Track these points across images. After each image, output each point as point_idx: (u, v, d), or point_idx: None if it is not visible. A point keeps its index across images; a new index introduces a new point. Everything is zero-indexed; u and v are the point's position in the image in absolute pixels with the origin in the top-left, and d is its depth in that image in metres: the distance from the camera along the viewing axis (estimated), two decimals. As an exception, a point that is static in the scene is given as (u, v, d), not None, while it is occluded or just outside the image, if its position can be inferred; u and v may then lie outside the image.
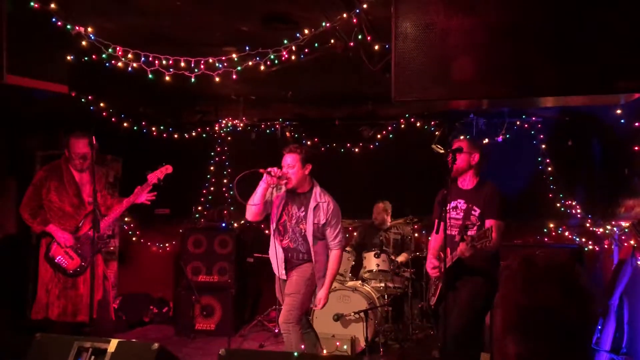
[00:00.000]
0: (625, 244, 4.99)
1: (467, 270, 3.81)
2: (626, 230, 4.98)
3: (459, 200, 4.00)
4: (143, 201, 4.70)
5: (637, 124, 4.81)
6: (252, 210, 4.18)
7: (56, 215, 4.58)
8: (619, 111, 4.92)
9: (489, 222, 3.85)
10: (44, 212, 4.58)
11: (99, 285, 4.55)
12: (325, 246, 4.24)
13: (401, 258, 6.22)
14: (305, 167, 4.15)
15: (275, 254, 4.29)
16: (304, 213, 4.18)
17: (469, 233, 3.85)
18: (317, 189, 4.23)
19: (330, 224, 4.18)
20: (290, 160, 4.11)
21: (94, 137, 4.38)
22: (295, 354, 2.93)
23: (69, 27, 4.01)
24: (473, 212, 3.92)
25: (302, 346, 4.14)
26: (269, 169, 4.06)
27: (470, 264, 3.77)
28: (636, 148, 4.81)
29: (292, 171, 4.10)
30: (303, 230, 4.18)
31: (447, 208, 3.91)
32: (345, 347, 5.19)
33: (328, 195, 4.26)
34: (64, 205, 4.59)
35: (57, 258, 4.53)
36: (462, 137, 4.17)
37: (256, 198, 4.14)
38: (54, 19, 3.96)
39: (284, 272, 4.28)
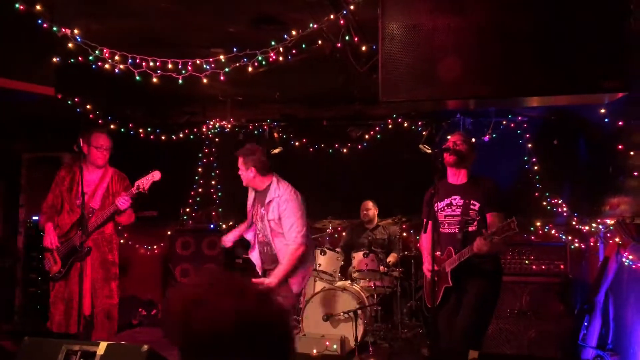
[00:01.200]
0: (611, 242, 5.05)
1: (475, 269, 3.72)
2: (611, 227, 5.03)
3: (453, 197, 3.89)
4: (121, 207, 4.41)
5: (620, 123, 4.87)
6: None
7: (65, 213, 4.54)
8: (603, 110, 4.97)
9: (491, 215, 3.77)
10: (52, 210, 4.55)
11: (83, 296, 4.29)
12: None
13: (390, 259, 6.25)
14: (249, 170, 4.21)
15: (254, 252, 4.43)
16: (265, 211, 4.21)
17: (469, 229, 3.79)
18: (273, 185, 4.20)
19: (284, 216, 4.11)
20: (239, 163, 4.28)
21: (80, 139, 4.37)
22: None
23: (55, 29, 3.99)
24: (472, 206, 3.81)
25: None
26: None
27: (477, 262, 3.68)
28: (620, 147, 4.87)
29: (242, 174, 4.26)
30: (265, 228, 4.22)
31: (442, 206, 3.88)
32: (335, 346, 5.20)
33: (286, 188, 4.20)
34: (71, 206, 4.54)
35: (45, 259, 4.50)
36: (456, 132, 4.13)
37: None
38: (39, 21, 3.93)
39: (260, 265, 4.40)
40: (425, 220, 4.08)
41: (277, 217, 4.14)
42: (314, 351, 4.39)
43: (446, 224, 3.89)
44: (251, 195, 4.42)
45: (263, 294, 1.40)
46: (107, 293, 4.51)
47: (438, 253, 3.86)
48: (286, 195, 4.15)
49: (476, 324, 3.80)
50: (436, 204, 3.85)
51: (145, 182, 4.40)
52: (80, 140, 4.40)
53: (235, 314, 1.32)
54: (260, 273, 4.39)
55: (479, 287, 3.78)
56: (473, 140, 6.15)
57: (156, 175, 4.46)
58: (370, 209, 6.63)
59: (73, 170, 4.60)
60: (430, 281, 3.78)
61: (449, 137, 4.05)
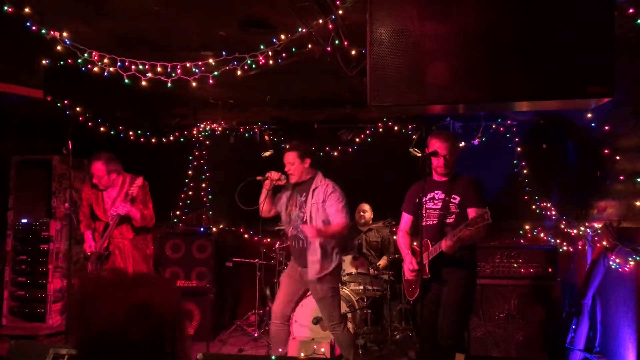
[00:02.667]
0: (598, 245, 5.09)
1: (452, 259, 3.82)
2: (599, 231, 5.07)
3: (436, 192, 4.04)
4: (121, 212, 4.89)
5: (607, 127, 4.91)
6: (261, 209, 4.57)
7: (98, 222, 5.06)
8: (589, 115, 5.01)
9: (471, 211, 3.89)
10: (88, 219, 5.11)
11: None
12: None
13: (382, 262, 6.27)
14: (305, 162, 4.48)
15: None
16: (304, 198, 4.44)
17: (447, 221, 3.93)
18: (319, 176, 4.53)
19: (330, 201, 4.37)
20: (289, 159, 4.46)
21: (69, 141, 4.38)
22: (273, 357, 2.95)
23: (43, 31, 3.98)
24: (453, 200, 3.96)
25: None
26: (266, 174, 4.48)
27: (452, 254, 3.79)
28: (606, 151, 4.91)
29: (292, 167, 4.45)
30: (304, 215, 4.40)
31: (424, 200, 3.99)
32: (323, 350, 5.20)
33: (331, 182, 4.52)
34: (92, 217, 5.09)
35: (89, 261, 5.03)
36: (435, 136, 4.12)
37: (261, 202, 4.54)
38: (28, 24, 3.92)
39: (291, 263, 4.66)
40: (403, 213, 4.27)
41: (322, 200, 4.38)
42: (302, 354, 4.41)
43: (426, 217, 4.01)
44: (285, 193, 4.62)
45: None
46: None
47: (416, 244, 4.01)
48: (332, 185, 4.48)
49: (458, 322, 3.93)
50: (423, 199, 3.98)
51: (132, 189, 4.90)
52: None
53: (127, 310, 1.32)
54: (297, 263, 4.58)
55: (458, 278, 3.91)
56: (462, 144, 6.24)
57: (138, 181, 4.95)
58: (367, 211, 6.65)
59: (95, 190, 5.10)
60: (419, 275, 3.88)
61: (429, 140, 4.07)
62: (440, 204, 3.99)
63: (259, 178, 4.49)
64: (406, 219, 4.31)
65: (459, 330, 3.95)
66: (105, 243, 4.95)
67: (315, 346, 5.21)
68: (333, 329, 4.53)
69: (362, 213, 6.65)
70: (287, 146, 4.62)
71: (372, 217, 6.69)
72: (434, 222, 3.99)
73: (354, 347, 4.69)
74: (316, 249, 4.32)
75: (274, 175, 4.47)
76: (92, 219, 5.11)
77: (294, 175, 4.46)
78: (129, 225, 5.06)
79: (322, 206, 4.37)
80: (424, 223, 3.95)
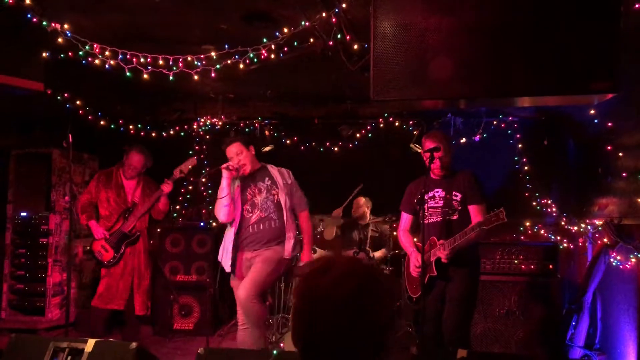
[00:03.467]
0: (599, 242, 5.08)
1: (457, 257, 3.82)
2: (600, 228, 5.06)
3: (436, 190, 4.04)
4: (165, 189, 5.29)
5: (610, 124, 4.90)
6: (223, 208, 4.40)
7: (105, 211, 5.27)
8: (592, 111, 5.00)
9: (473, 208, 3.91)
10: (91, 209, 5.31)
11: (133, 276, 5.29)
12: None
13: (379, 253, 6.24)
14: (250, 149, 4.49)
15: (226, 247, 4.50)
16: (269, 181, 4.46)
17: (452, 218, 3.93)
18: (268, 164, 4.58)
19: (295, 187, 4.53)
20: (236, 149, 4.44)
21: (69, 135, 4.37)
22: (275, 352, 2.94)
23: (44, 23, 3.96)
24: (454, 197, 3.96)
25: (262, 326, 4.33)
26: (226, 165, 4.40)
27: (460, 251, 3.80)
28: (609, 148, 4.89)
29: (242, 156, 4.42)
30: (275, 197, 4.43)
31: (425, 198, 3.96)
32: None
33: (278, 168, 4.59)
34: (111, 205, 5.28)
35: (96, 252, 5.20)
36: (432, 135, 4.14)
37: (224, 191, 4.39)
38: (29, 15, 3.90)
39: (230, 260, 4.44)
40: (402, 212, 4.26)
41: (290, 180, 4.51)
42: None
43: (428, 215, 4.00)
44: (235, 183, 4.51)
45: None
46: (146, 275, 5.44)
47: (416, 240, 4.02)
48: (286, 171, 4.58)
49: (464, 317, 3.94)
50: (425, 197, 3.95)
51: (184, 167, 5.31)
52: (125, 154, 5.36)
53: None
54: (226, 266, 4.48)
55: (462, 274, 3.91)
56: (463, 140, 6.23)
57: (193, 161, 5.41)
58: (362, 205, 6.62)
59: (115, 176, 5.38)
60: (422, 273, 3.84)
61: (423, 141, 4.09)
62: (442, 202, 3.99)
63: (222, 167, 4.40)
64: (406, 218, 4.32)
65: (464, 326, 3.95)
66: (132, 225, 5.22)
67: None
68: (251, 301, 4.22)
69: (356, 207, 6.63)
70: (228, 140, 4.56)
71: (369, 211, 6.65)
72: (438, 220, 3.99)
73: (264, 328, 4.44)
74: (291, 225, 4.44)
75: (233, 164, 4.41)
76: (93, 209, 5.32)
77: (247, 164, 4.43)
78: (148, 215, 5.39)
79: (290, 190, 4.47)
80: (426, 221, 3.94)
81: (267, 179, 4.48)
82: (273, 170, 4.52)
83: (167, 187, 5.26)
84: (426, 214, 3.97)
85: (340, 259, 1.42)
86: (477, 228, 3.62)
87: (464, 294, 3.90)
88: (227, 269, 4.47)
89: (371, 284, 1.38)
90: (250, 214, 4.44)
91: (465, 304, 3.92)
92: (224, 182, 4.40)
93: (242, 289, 4.23)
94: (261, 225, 4.42)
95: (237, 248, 4.44)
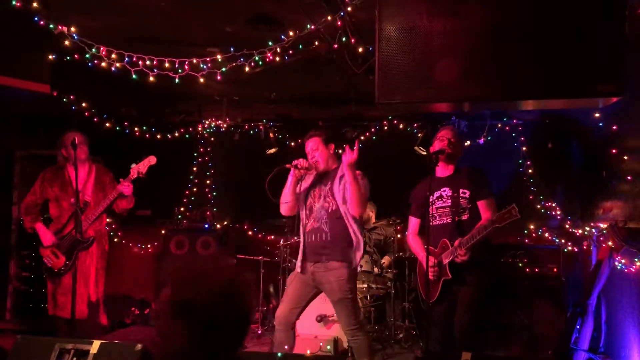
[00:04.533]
0: (604, 245, 5.06)
1: (471, 260, 3.74)
2: (604, 231, 5.05)
3: (443, 189, 3.96)
4: (125, 192, 4.68)
5: (614, 127, 4.89)
6: (285, 206, 4.10)
7: (54, 212, 4.77)
8: (597, 114, 4.99)
9: (481, 203, 3.85)
10: (37, 211, 4.80)
11: (88, 284, 4.75)
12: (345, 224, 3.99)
13: (385, 261, 6.25)
14: (329, 147, 4.12)
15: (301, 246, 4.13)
16: (329, 186, 4.04)
17: (463, 218, 3.86)
18: (340, 169, 4.07)
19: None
20: (313, 144, 4.09)
21: (75, 137, 4.39)
22: (279, 354, 2.94)
23: (51, 26, 3.98)
24: (462, 195, 3.88)
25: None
26: (294, 162, 4.01)
27: (472, 254, 3.73)
28: (614, 151, 4.88)
29: (317, 154, 4.07)
30: (329, 207, 3.99)
31: (432, 199, 3.91)
32: (328, 347, 5.20)
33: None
34: (60, 205, 4.75)
35: (45, 258, 4.67)
36: (446, 126, 4.13)
37: (287, 194, 4.07)
38: (36, 18, 3.92)
39: (300, 263, 4.06)
40: (410, 217, 4.19)
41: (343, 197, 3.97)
42: (308, 352, 4.39)
43: (437, 216, 3.93)
44: (304, 183, 4.16)
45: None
46: (103, 281, 4.92)
47: (431, 247, 3.86)
48: (361, 173, 4.05)
49: (474, 319, 3.85)
50: (430, 198, 3.88)
51: (142, 166, 4.66)
52: (58, 146, 4.76)
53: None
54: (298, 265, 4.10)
55: (476, 278, 3.83)
56: (467, 142, 6.23)
57: (152, 159, 4.69)
58: (366, 210, 6.62)
59: (61, 171, 4.82)
60: (427, 276, 3.79)
61: (439, 130, 4.06)
62: (450, 201, 3.91)
63: (288, 166, 4.01)
64: (414, 222, 4.21)
65: (476, 329, 3.87)
66: (84, 228, 4.60)
67: (321, 344, 5.21)
68: (353, 335, 3.97)
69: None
70: (309, 134, 4.16)
71: (373, 215, 6.65)
72: (448, 221, 3.90)
73: (371, 355, 4.10)
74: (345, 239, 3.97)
75: (302, 162, 4.01)
76: (38, 210, 4.83)
77: (320, 162, 4.06)
78: (104, 215, 4.88)
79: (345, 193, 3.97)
80: (437, 222, 3.89)
81: (329, 182, 4.06)
82: (340, 171, 4.02)
83: (127, 190, 4.66)
84: (435, 214, 3.91)
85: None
86: (490, 227, 3.54)
87: (476, 297, 3.82)
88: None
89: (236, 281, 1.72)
90: (307, 221, 4.09)
91: (477, 307, 3.84)
92: (288, 184, 4.06)
93: (344, 324, 4.02)
94: (313, 237, 4.03)
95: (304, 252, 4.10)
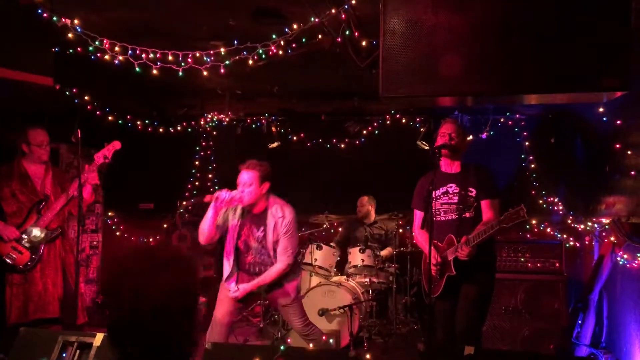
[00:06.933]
0: (606, 241, 5.07)
1: (476, 257, 3.70)
2: (607, 227, 5.05)
3: (449, 185, 3.91)
4: (91, 180, 4.51)
5: (619, 122, 4.88)
6: (203, 234, 3.97)
7: (11, 208, 4.50)
8: (601, 109, 4.98)
9: (485, 203, 3.82)
10: None
11: (57, 281, 4.52)
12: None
13: (385, 252, 6.25)
14: (263, 186, 3.88)
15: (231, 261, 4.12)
16: (263, 233, 3.98)
17: (467, 216, 3.83)
18: (272, 207, 3.97)
19: (283, 238, 3.96)
20: (247, 179, 3.84)
21: (78, 130, 4.36)
22: (282, 347, 2.95)
23: (54, 19, 3.97)
24: (469, 193, 3.86)
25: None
26: (216, 195, 3.81)
27: (477, 251, 3.70)
28: (618, 146, 4.87)
29: (247, 190, 3.84)
30: (268, 250, 4.01)
31: (438, 194, 3.89)
32: (330, 341, 5.21)
33: (283, 206, 4.00)
34: (18, 199, 4.52)
35: (5, 255, 4.38)
36: (447, 120, 4.07)
37: (207, 225, 3.92)
38: (39, 11, 3.92)
39: (235, 286, 4.06)
40: (415, 210, 4.14)
41: (277, 239, 3.96)
42: (310, 345, 4.40)
43: (442, 212, 3.91)
44: (232, 214, 4.05)
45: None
46: (73, 275, 4.52)
47: (435, 241, 3.84)
48: (289, 217, 3.96)
49: (479, 317, 3.86)
50: (433, 193, 3.84)
51: (107, 151, 4.52)
52: (19, 140, 4.58)
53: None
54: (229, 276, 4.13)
55: (481, 276, 3.81)
56: (470, 137, 6.22)
57: (117, 144, 4.56)
58: (365, 204, 6.63)
59: (16, 166, 4.60)
60: (430, 271, 3.73)
61: (441, 126, 4.02)
62: (457, 197, 3.87)
63: (207, 199, 3.82)
64: (419, 215, 4.13)
65: (478, 326, 3.88)
66: (49, 220, 4.45)
67: (323, 337, 5.22)
68: (310, 329, 4.27)
69: (360, 207, 6.64)
70: (247, 164, 3.89)
71: (373, 209, 6.66)
72: (454, 217, 3.86)
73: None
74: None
75: (224, 196, 3.79)
76: None
77: (247, 200, 3.85)
78: (65, 209, 4.66)
79: (276, 243, 3.98)
80: (441, 218, 3.87)
81: (262, 228, 3.98)
82: (270, 217, 3.95)
83: (92, 177, 4.46)
84: (439, 210, 3.89)
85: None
86: (497, 226, 3.50)
87: (480, 294, 3.80)
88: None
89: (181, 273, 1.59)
90: (246, 254, 4.09)
91: (481, 304, 3.84)
92: (209, 215, 3.89)
93: (298, 326, 4.28)
94: (257, 269, 4.09)
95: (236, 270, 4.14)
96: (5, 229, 4.40)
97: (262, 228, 3.99)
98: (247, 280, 4.09)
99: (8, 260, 4.37)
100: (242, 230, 4.03)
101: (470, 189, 3.87)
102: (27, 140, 4.58)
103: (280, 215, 3.95)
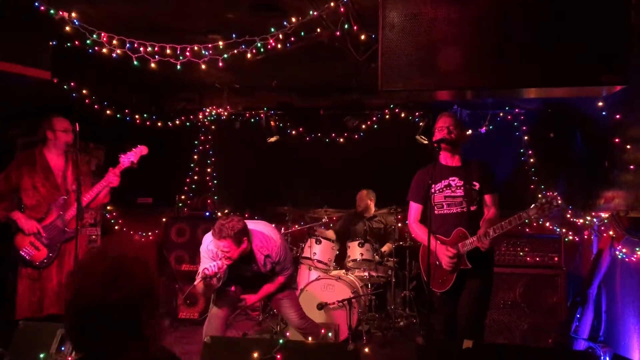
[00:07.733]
0: (605, 235, 5.07)
1: (481, 252, 3.71)
2: (605, 221, 5.05)
3: (451, 178, 3.88)
4: (114, 183, 4.44)
5: (618, 116, 4.87)
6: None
7: (31, 200, 4.39)
8: (600, 103, 4.97)
9: (488, 197, 3.84)
10: (11, 199, 4.41)
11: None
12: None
13: (385, 248, 6.26)
14: (242, 244, 3.91)
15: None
16: (255, 266, 4.10)
17: (472, 209, 3.81)
18: (256, 242, 4.05)
19: (278, 266, 4.14)
20: (224, 247, 3.86)
21: (76, 124, 4.33)
22: (280, 340, 2.95)
23: (52, 12, 3.95)
24: (473, 187, 3.84)
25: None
26: (204, 274, 3.85)
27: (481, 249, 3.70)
28: (617, 140, 4.87)
29: (229, 254, 3.88)
30: (264, 272, 4.15)
31: (439, 187, 3.87)
32: (329, 334, 5.22)
33: (270, 236, 4.12)
34: (39, 192, 4.39)
35: (22, 250, 4.28)
36: (444, 114, 4.01)
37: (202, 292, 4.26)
38: (36, 4, 3.90)
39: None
40: (411, 202, 4.12)
41: (271, 267, 4.12)
42: (310, 339, 4.41)
43: (445, 205, 3.88)
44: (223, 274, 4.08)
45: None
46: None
47: (441, 236, 3.83)
48: (274, 246, 4.07)
49: (481, 310, 3.86)
50: (432, 186, 3.85)
51: (134, 156, 4.44)
52: (44, 127, 4.42)
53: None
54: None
55: (484, 269, 3.82)
56: (469, 132, 6.22)
57: (144, 149, 4.48)
58: (364, 198, 6.63)
59: (38, 155, 4.46)
60: (431, 264, 3.73)
61: (438, 119, 3.97)
62: (462, 191, 3.83)
63: (197, 284, 3.89)
64: (416, 208, 4.09)
65: (481, 319, 3.89)
66: (70, 217, 4.34)
67: (322, 330, 5.22)
68: (306, 322, 4.47)
69: (359, 201, 6.64)
70: (217, 233, 3.84)
71: (372, 203, 6.65)
72: (459, 210, 3.83)
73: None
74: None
75: (210, 272, 3.84)
76: (11, 199, 4.44)
77: (234, 259, 3.92)
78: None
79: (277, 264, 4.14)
80: (444, 211, 3.85)
81: (253, 265, 4.10)
82: (260, 255, 4.05)
83: (115, 180, 4.41)
84: (442, 203, 3.87)
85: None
86: (526, 218, 3.51)
87: (483, 288, 3.81)
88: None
89: (123, 265, 1.59)
90: (230, 283, 4.21)
91: (484, 297, 3.85)
92: (200, 289, 4.02)
93: (295, 319, 4.45)
94: (256, 282, 4.26)
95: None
96: (27, 223, 4.29)
97: (252, 265, 4.10)
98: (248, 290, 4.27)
99: (25, 256, 4.28)
100: (232, 272, 4.09)
101: (474, 183, 3.85)
102: (52, 127, 4.42)
103: (267, 252, 4.05)
